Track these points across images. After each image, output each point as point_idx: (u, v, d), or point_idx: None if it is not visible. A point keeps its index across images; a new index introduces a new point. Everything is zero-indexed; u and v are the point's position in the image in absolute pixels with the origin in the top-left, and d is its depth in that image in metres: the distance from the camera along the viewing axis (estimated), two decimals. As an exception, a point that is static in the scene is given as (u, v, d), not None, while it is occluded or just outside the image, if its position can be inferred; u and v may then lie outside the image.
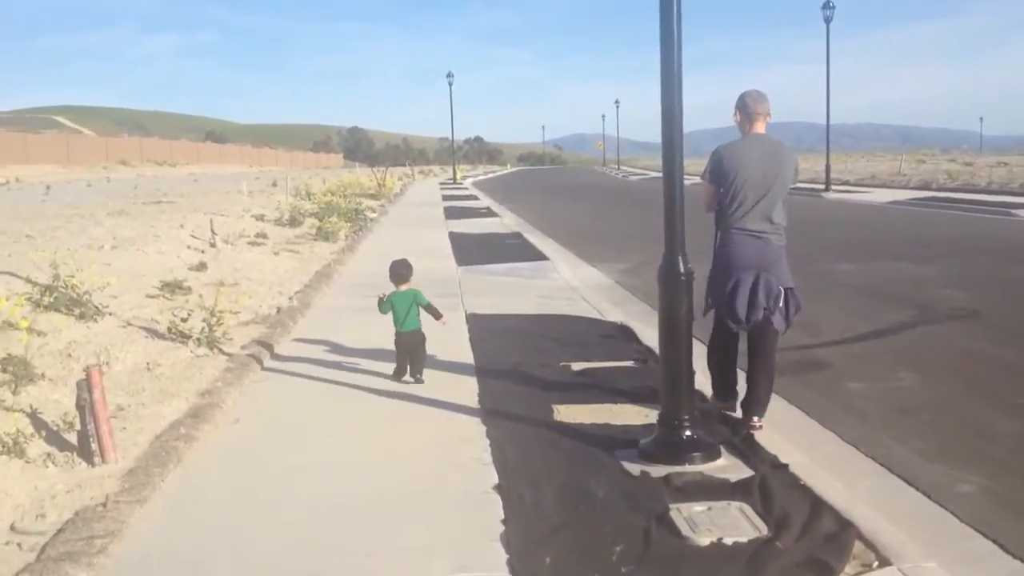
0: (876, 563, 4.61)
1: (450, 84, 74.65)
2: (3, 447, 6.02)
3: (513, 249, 20.53)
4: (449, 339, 9.80)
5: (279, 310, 11.94)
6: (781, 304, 6.91)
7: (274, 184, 45.84)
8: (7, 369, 7.59)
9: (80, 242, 16.00)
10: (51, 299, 10.16)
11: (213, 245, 18.07)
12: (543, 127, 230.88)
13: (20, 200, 33.29)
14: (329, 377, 8.60)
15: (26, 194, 40.01)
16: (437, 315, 8.61)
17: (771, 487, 5.53)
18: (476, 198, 46.15)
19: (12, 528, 5.14)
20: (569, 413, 7.31)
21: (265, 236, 20.93)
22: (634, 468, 5.99)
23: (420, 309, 8.49)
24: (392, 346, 8.56)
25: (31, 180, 59.28)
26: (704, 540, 4.84)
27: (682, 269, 6.16)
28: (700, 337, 6.89)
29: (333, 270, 16.48)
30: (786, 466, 5.99)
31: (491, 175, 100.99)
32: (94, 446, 6.09)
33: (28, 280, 11.30)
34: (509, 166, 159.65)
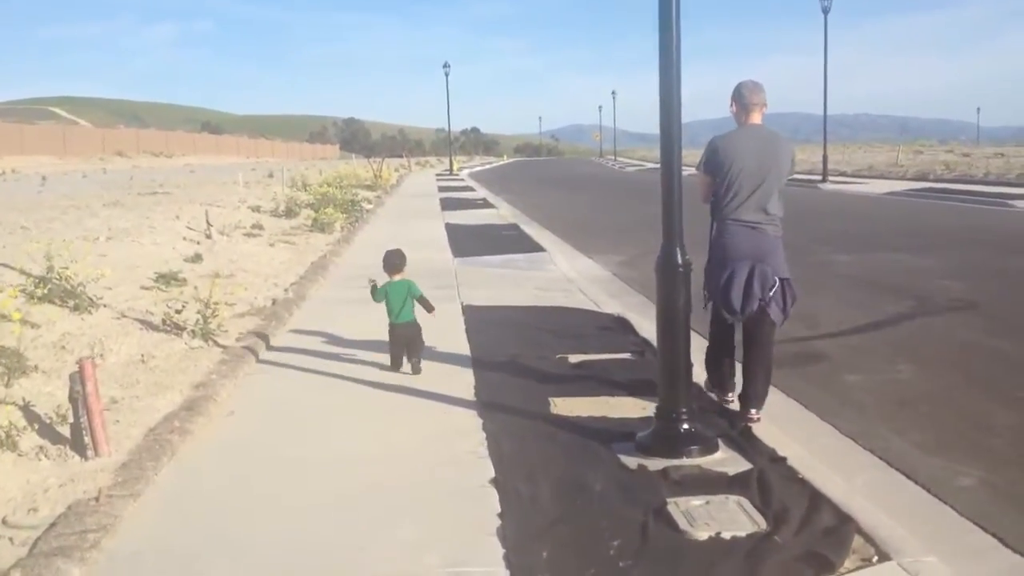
0: (875, 557, 4.57)
1: (446, 75, 74.54)
2: (-5, 440, 5.99)
3: (509, 240, 20.49)
4: (445, 331, 9.76)
5: (274, 302, 11.89)
6: (778, 295, 6.89)
7: (270, 175, 45.80)
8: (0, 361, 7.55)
9: (75, 233, 15.97)
10: (45, 291, 10.12)
11: (209, 236, 18.02)
12: (540, 118, 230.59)
13: (16, 191, 33.25)
14: (324, 369, 8.56)
15: (22, 185, 39.97)
16: (429, 308, 8.59)
17: (769, 481, 5.49)
18: (472, 189, 46.10)
19: (4, 522, 5.09)
20: (566, 406, 7.27)
21: (261, 227, 20.87)
22: (631, 461, 5.95)
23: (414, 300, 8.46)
24: (388, 338, 8.53)
25: (27, 171, 59.28)
26: (702, 534, 4.80)
27: (680, 260, 6.12)
28: (698, 329, 6.85)
29: (329, 261, 16.42)
30: (784, 459, 5.95)
31: (488, 166, 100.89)
32: (87, 439, 6.05)
33: (22, 272, 11.26)
34: (506, 157, 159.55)
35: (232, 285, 12.64)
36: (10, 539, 4.85)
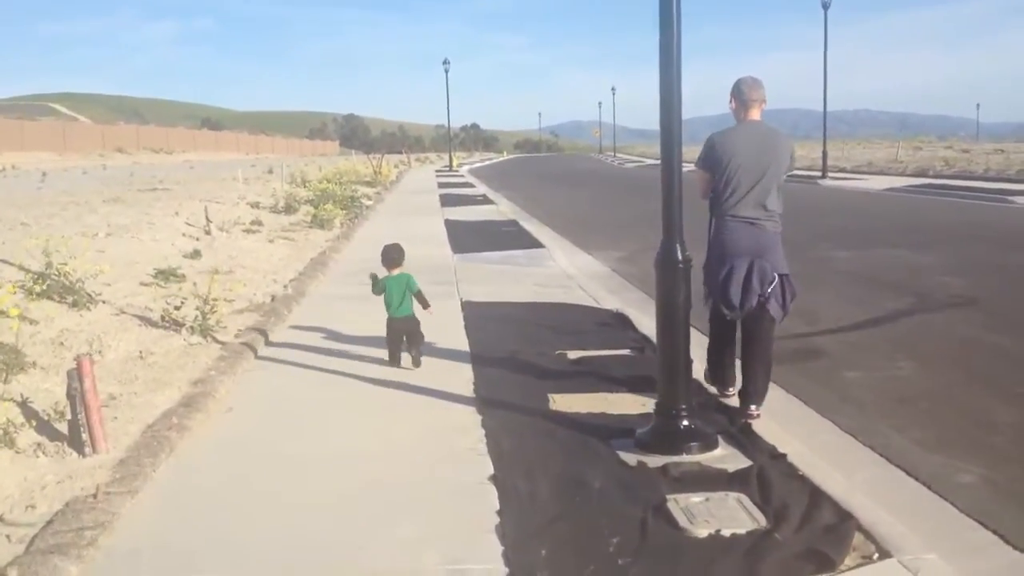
0: (876, 555, 4.56)
1: (446, 71, 74.52)
2: (-7, 437, 5.97)
3: (509, 237, 20.46)
4: (445, 327, 9.75)
5: (273, 298, 11.87)
6: (777, 291, 6.88)
7: (270, 171, 45.73)
8: (-3, 358, 7.53)
9: (75, 229, 15.92)
10: (44, 287, 10.10)
11: (208, 232, 17.99)
12: (539, 114, 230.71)
13: (15, 187, 33.18)
14: (323, 365, 8.54)
15: (22, 181, 39.90)
16: (425, 304, 8.59)
17: (769, 477, 5.48)
18: (472, 185, 46.06)
19: (1, 519, 5.08)
20: (565, 402, 7.25)
21: (260, 223, 20.84)
22: (631, 458, 5.93)
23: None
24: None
25: (27, 167, 59.17)
26: (702, 532, 4.78)
27: (680, 256, 6.10)
28: (698, 326, 6.83)
29: (328, 258, 16.41)
30: (784, 456, 5.93)
31: (487, 162, 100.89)
32: (85, 436, 6.03)
33: (21, 268, 11.23)
34: (505, 153, 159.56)
35: (231, 281, 12.61)
36: (7, 536, 4.83)
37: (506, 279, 14.09)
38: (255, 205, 24.98)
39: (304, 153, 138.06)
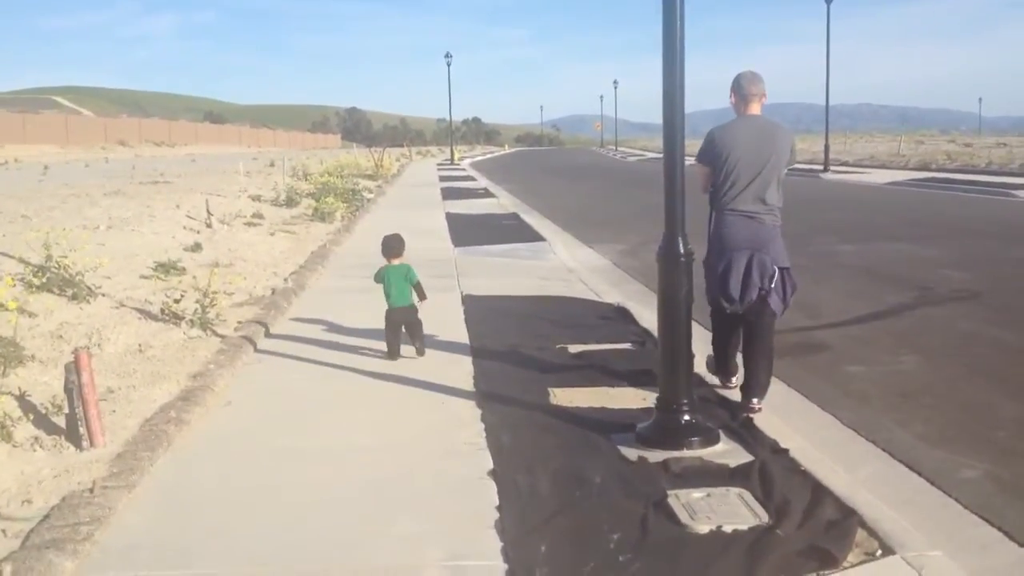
0: (879, 551, 4.51)
1: (448, 64, 74.57)
2: (-10, 431, 5.93)
3: (510, 230, 20.43)
4: (445, 320, 9.72)
5: (274, 291, 11.83)
6: (778, 285, 6.87)
7: (272, 164, 45.75)
8: (-5, 351, 7.49)
9: (75, 222, 15.92)
10: (43, 280, 10.07)
11: (209, 226, 17.97)
12: (541, 108, 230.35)
13: (18, 180, 33.21)
14: (323, 359, 8.50)
15: (24, 174, 39.92)
16: (422, 295, 8.61)
17: (771, 473, 5.43)
18: (473, 179, 46.05)
19: (-3, 514, 5.04)
20: (565, 396, 7.21)
21: (261, 216, 20.83)
22: (631, 453, 5.89)
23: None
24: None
25: (29, 160, 59.22)
26: (703, 528, 4.74)
27: (682, 250, 6.05)
28: (699, 320, 6.79)
29: (329, 251, 16.37)
30: (786, 451, 5.89)
31: (489, 156, 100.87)
32: (82, 430, 5.99)
33: (21, 260, 11.22)
34: (507, 147, 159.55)
35: (231, 274, 12.58)
36: (3, 531, 4.79)
37: (507, 272, 14.05)
38: (256, 198, 24.97)
39: (306, 146, 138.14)
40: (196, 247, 14.98)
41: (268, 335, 9.47)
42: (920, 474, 5.74)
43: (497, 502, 5.14)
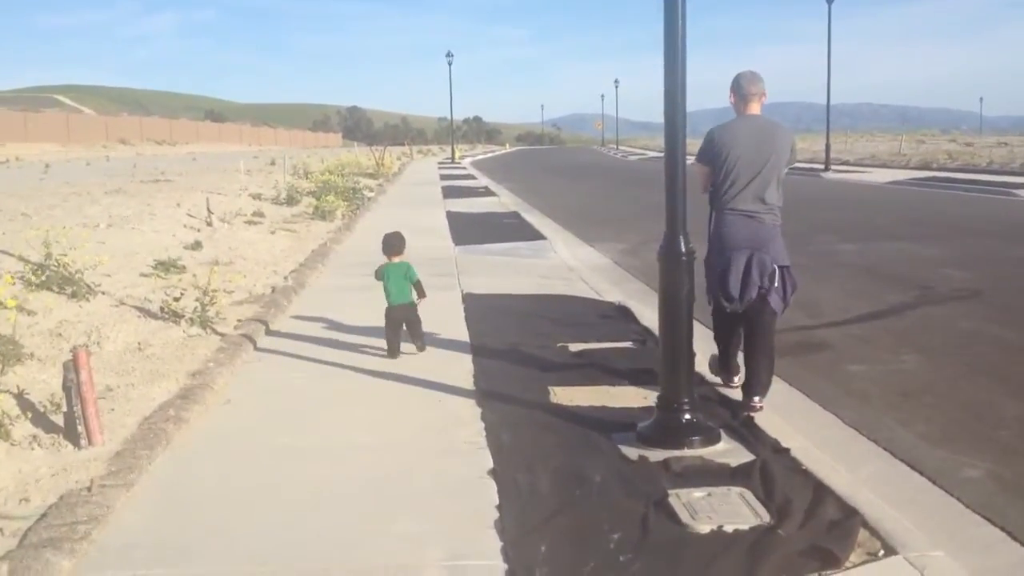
0: (881, 551, 4.48)
1: (449, 64, 74.59)
2: (-12, 429, 5.91)
3: (511, 229, 20.41)
4: (445, 319, 9.70)
5: (274, 289, 11.81)
6: (777, 283, 6.86)
7: (272, 163, 45.72)
8: (-6, 349, 7.47)
9: (76, 220, 15.90)
10: (43, 278, 10.05)
11: (209, 224, 17.95)
12: (542, 107, 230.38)
13: (18, 179, 33.19)
14: (322, 357, 8.48)
15: (25, 172, 39.89)
16: (422, 294, 8.62)
17: (772, 472, 5.41)
18: (474, 178, 46.03)
19: (-6, 512, 5.02)
20: (566, 395, 7.19)
21: (262, 215, 20.81)
22: (632, 452, 5.86)
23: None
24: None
25: (31, 159, 59.20)
26: (704, 527, 4.71)
27: (683, 249, 6.02)
28: (701, 319, 6.77)
29: (329, 249, 16.35)
30: (787, 450, 5.87)
31: (490, 155, 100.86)
32: (80, 428, 5.97)
33: (21, 258, 11.20)
34: (507, 146, 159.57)
35: (231, 273, 12.55)
36: (0, 530, 4.77)
37: (508, 271, 14.03)
38: (257, 196, 24.95)
39: (307, 145, 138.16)
40: (196, 245, 14.96)
41: (268, 333, 9.45)
42: (922, 473, 5.72)
43: (497, 501, 5.12)
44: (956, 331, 9.76)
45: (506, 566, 4.35)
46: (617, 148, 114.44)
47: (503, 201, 29.06)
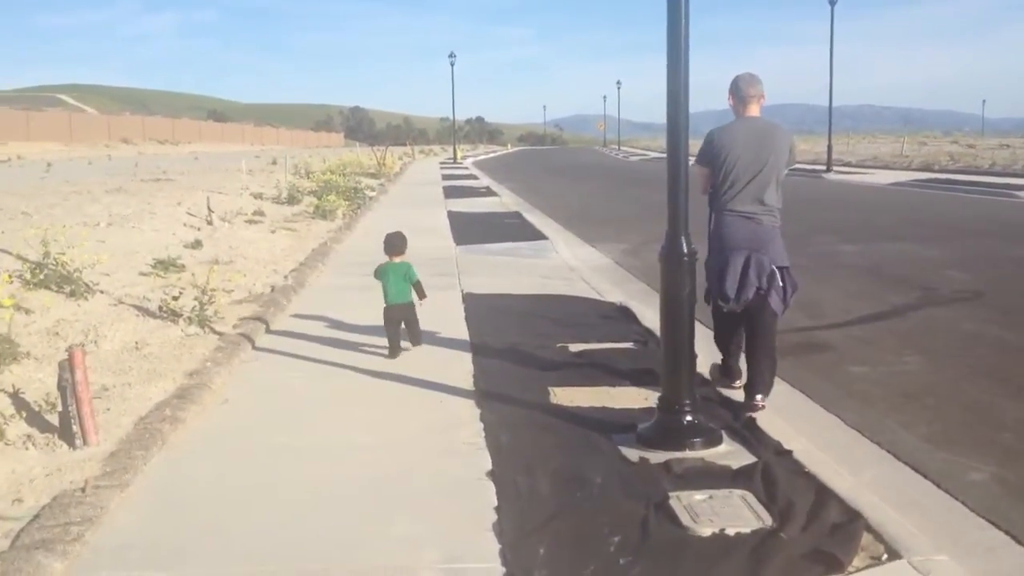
0: (885, 555, 4.42)
1: (452, 64, 74.64)
2: (-18, 428, 5.86)
3: (512, 229, 20.36)
4: (445, 318, 9.66)
5: (273, 288, 11.76)
6: (777, 283, 6.86)
7: (274, 163, 45.68)
8: (-10, 348, 7.42)
9: (76, 219, 15.87)
10: (40, 276, 10.00)
11: (210, 223, 17.91)
12: (544, 107, 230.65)
13: (20, 177, 33.14)
14: (321, 357, 8.43)
15: (27, 171, 39.84)
16: (422, 295, 8.61)
17: (775, 475, 5.35)
18: (476, 177, 46.01)
19: (-13, 513, 4.96)
20: (566, 396, 7.14)
21: (262, 214, 20.78)
22: (632, 454, 5.81)
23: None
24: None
25: (33, 158, 59.18)
26: (705, 530, 4.66)
27: (685, 249, 5.98)
28: (702, 320, 6.72)
29: (330, 248, 16.30)
30: (790, 452, 5.81)
31: (492, 155, 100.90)
32: (75, 428, 5.92)
33: (19, 257, 11.15)
34: (509, 146, 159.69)
35: (231, 272, 12.51)
36: (-8, 531, 4.72)
37: (508, 271, 13.97)
38: (258, 196, 24.93)
39: (309, 145, 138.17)
40: (196, 244, 14.92)
41: (267, 332, 9.40)
42: (925, 476, 5.67)
43: (496, 503, 5.06)
44: (958, 333, 9.71)
45: (504, 569, 4.30)
46: (619, 149, 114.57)
47: (504, 201, 29.02)
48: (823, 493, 5.13)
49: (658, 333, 6.68)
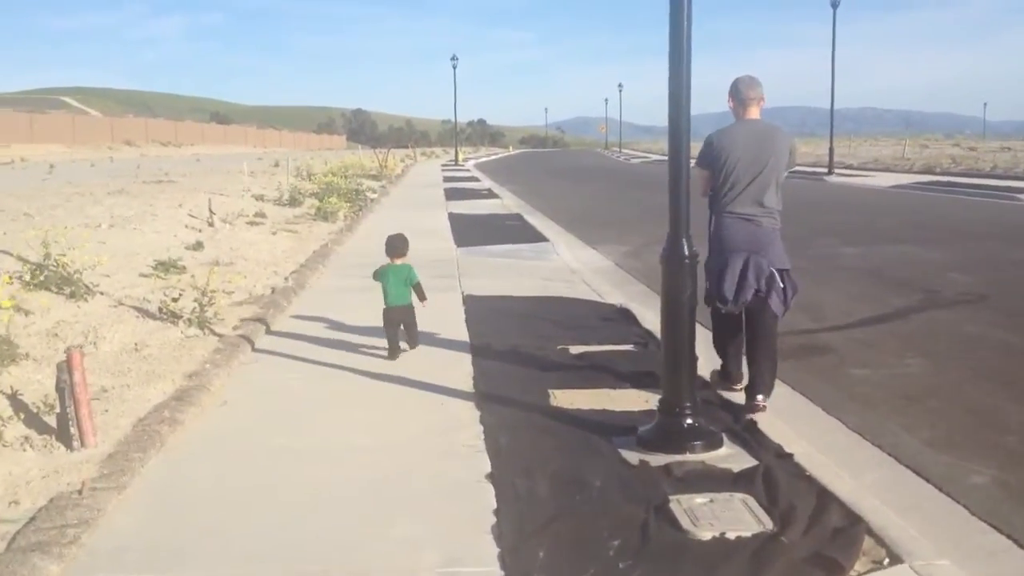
0: (887, 560, 4.39)
1: (454, 67, 74.78)
2: (-21, 430, 5.84)
3: (513, 230, 20.34)
4: (445, 320, 9.64)
5: (274, 290, 11.75)
6: (777, 285, 6.86)
7: (276, 165, 45.68)
8: (-12, 349, 7.40)
9: (77, 221, 15.84)
10: (41, 278, 9.98)
11: (211, 224, 17.90)
12: (546, 110, 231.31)
13: (23, 179, 33.13)
14: (321, 359, 8.40)
15: (30, 173, 39.83)
16: (422, 297, 8.60)
17: (775, 478, 5.32)
18: (477, 180, 45.99)
19: (-17, 515, 4.94)
20: (566, 398, 7.11)
21: (264, 216, 20.77)
22: (632, 457, 5.78)
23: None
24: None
25: (36, 160, 59.21)
26: (705, 534, 4.63)
27: (686, 252, 5.95)
28: (703, 322, 6.70)
29: (331, 250, 16.28)
30: (791, 455, 5.78)
31: (493, 157, 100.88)
32: (73, 430, 5.90)
33: (20, 258, 11.13)
34: (511, 148, 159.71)
35: (232, 273, 12.49)
36: (-11, 533, 4.70)
37: (509, 273, 13.95)
38: (260, 198, 24.92)
39: (311, 147, 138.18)
40: (197, 246, 14.91)
41: (267, 334, 9.38)
42: (927, 480, 5.64)
43: (495, 506, 5.04)
44: (960, 335, 9.68)
45: (503, 572, 4.28)
46: (620, 151, 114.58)
47: (506, 203, 28.99)
48: (824, 497, 5.10)
49: (659, 335, 6.65)
